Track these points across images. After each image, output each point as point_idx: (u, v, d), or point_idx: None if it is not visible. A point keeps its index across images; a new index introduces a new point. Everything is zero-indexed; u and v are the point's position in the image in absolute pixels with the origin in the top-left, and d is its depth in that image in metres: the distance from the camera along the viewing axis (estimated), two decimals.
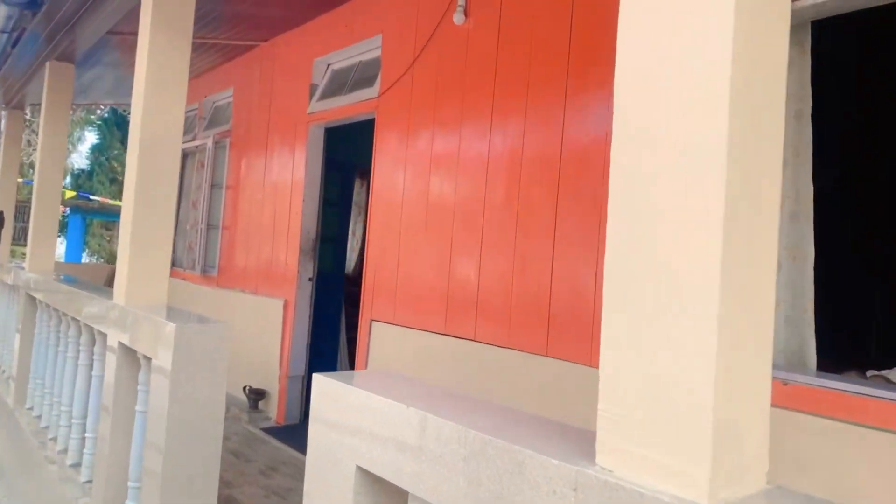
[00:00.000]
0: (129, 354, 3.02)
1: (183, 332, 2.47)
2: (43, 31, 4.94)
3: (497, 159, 3.47)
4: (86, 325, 3.61)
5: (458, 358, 3.55)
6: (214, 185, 6.51)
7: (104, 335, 3.32)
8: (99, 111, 24.28)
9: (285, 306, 5.18)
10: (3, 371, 6.02)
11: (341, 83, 4.97)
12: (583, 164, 3.01)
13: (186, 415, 2.46)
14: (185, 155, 7.36)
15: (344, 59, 5.00)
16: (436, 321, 3.72)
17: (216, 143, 6.46)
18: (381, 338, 4.15)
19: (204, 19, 5.54)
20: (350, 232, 7.51)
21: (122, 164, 25.73)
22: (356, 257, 9.00)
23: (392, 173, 4.21)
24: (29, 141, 24.89)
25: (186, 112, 7.84)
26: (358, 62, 4.85)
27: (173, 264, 7.23)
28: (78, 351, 3.80)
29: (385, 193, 4.25)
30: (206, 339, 2.52)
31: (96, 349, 3.49)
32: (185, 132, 7.47)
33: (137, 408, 2.84)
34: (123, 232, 3.17)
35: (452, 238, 3.69)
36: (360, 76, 4.75)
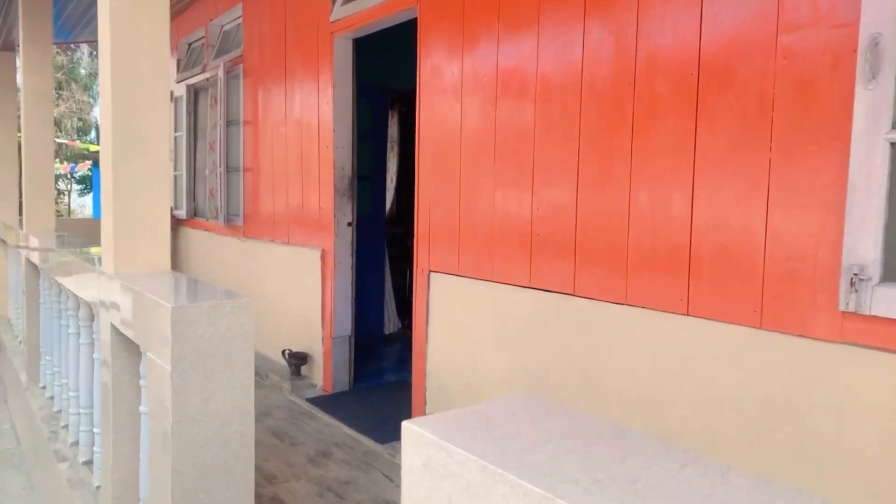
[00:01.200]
0: (124, 339, 2.29)
1: (184, 315, 1.69)
2: None
3: (596, 63, 2.54)
4: (82, 299, 2.90)
5: (551, 319, 2.73)
6: (231, 122, 5.67)
7: (97, 313, 2.59)
8: None
9: (323, 256, 4.41)
10: (19, 339, 5.47)
11: None
12: (738, 62, 2.07)
13: (197, 432, 1.71)
14: (197, 91, 6.51)
15: None
16: (516, 270, 2.90)
17: (228, 72, 5.58)
18: (443, 293, 3.35)
19: None
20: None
21: None
22: (393, 197, 8.18)
23: (444, 87, 3.30)
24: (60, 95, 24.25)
25: (192, 42, 6.94)
26: None
27: (195, 214, 6.51)
28: (78, 327, 3.11)
29: (437, 114, 3.36)
30: (219, 323, 1.74)
31: (94, 327, 2.78)
32: (194, 64, 6.59)
33: (141, 408, 2.11)
34: (105, 184, 2.38)
35: (534, 165, 2.81)
36: None
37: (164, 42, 2.40)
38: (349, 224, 4.40)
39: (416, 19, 3.54)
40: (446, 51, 3.28)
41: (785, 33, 1.96)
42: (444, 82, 3.32)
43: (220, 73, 5.52)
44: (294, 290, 4.75)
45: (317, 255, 4.44)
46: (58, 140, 20.77)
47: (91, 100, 30.43)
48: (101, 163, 2.43)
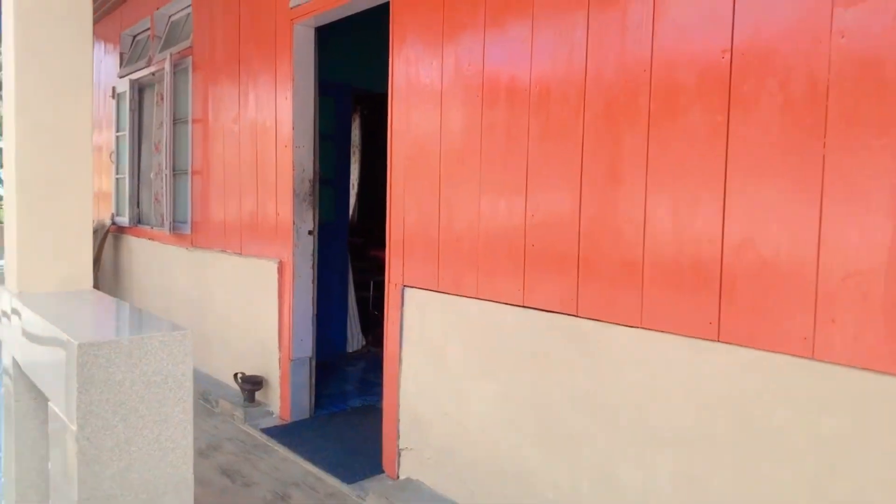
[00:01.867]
0: (30, 378, 1.82)
1: (95, 354, 1.26)
2: None
3: (603, 49, 2.20)
4: None
5: (550, 343, 2.37)
6: (178, 121, 5.16)
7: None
8: None
9: (281, 268, 3.96)
10: None
11: None
12: (782, 42, 1.77)
13: None
14: (142, 87, 5.97)
15: None
16: (507, 287, 2.53)
17: (175, 65, 5.09)
18: (419, 311, 2.96)
19: None
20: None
21: None
22: (355, 203, 7.73)
23: (422, 81, 2.93)
24: None
25: (136, 34, 6.38)
26: None
27: (139, 222, 5.97)
28: None
29: (413, 112, 2.97)
30: (145, 363, 1.32)
31: None
32: (138, 58, 6.05)
33: (50, 465, 1.65)
34: (7, 185, 1.92)
35: (528, 168, 2.45)
36: None
37: (85, 8, 1.95)
38: (310, 232, 3.97)
39: (387, 4, 3.16)
40: (424, 40, 2.91)
41: (842, 6, 1.65)
42: (421, 76, 2.94)
43: (167, 66, 5.02)
44: (248, 305, 4.28)
45: (273, 266, 3.99)
46: None
47: None
48: (4, 160, 1.96)
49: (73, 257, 1.94)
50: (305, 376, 3.98)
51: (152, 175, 5.80)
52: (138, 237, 5.98)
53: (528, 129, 2.45)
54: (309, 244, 3.97)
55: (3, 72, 1.96)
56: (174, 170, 5.20)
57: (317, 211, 4.00)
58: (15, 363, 1.81)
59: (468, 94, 2.70)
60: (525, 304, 2.47)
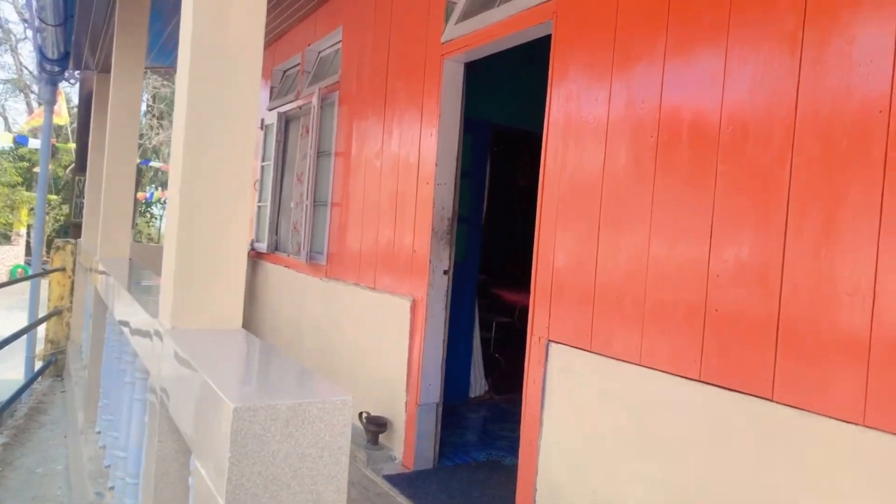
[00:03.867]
0: (173, 422, 1.75)
1: (252, 421, 1.11)
2: None
3: (822, 86, 1.86)
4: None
5: (732, 430, 2.00)
6: (321, 153, 5.26)
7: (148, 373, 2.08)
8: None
9: (414, 307, 3.82)
10: (87, 367, 5.15)
11: None
12: None
13: None
14: (288, 120, 6.20)
15: None
16: (679, 355, 2.19)
17: (322, 99, 5.20)
18: (566, 371, 2.68)
19: None
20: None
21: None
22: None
23: (584, 117, 2.69)
24: (151, 126, 25.47)
25: (287, 69, 6.67)
26: None
27: (276, 248, 6.13)
28: (134, 378, 2.64)
29: (572, 149, 2.74)
30: (301, 434, 1.15)
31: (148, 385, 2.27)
32: (287, 92, 6.30)
33: None
34: (170, 217, 1.89)
35: (714, 212, 2.13)
36: None
37: (257, 42, 1.90)
38: (445, 272, 3.82)
39: (547, 37, 2.98)
40: (590, 74, 2.68)
41: None
42: (583, 112, 2.71)
43: (315, 100, 5.15)
44: (378, 342, 4.18)
45: (406, 304, 3.86)
46: (154, 165, 21.54)
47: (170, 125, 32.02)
48: (169, 191, 1.94)
49: (226, 296, 1.87)
50: (432, 423, 3.79)
51: (292, 204, 5.96)
52: (275, 263, 6.14)
53: (716, 172, 2.14)
54: (443, 284, 3.81)
55: (176, 101, 1.94)
56: (315, 201, 5.28)
57: (453, 250, 3.85)
58: (162, 401, 1.74)
59: (640, 132, 2.42)
60: (702, 379, 2.12)
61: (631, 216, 2.43)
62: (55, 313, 6.63)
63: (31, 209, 22.78)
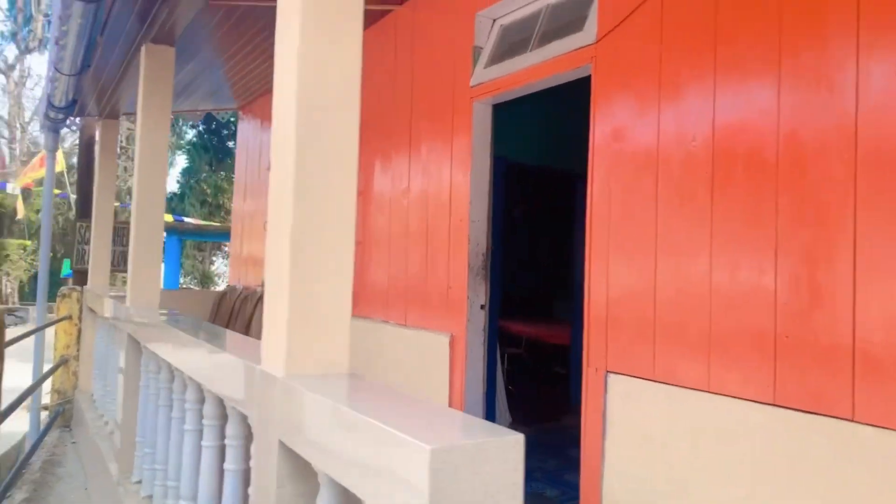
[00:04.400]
0: (299, 463, 1.77)
1: (447, 461, 1.16)
2: (133, 4, 3.90)
3: (886, 108, 2.02)
4: (214, 394, 2.43)
5: (807, 451, 2.10)
6: None
7: (245, 420, 2.10)
8: (189, 132, 24.61)
9: (452, 343, 3.88)
10: (105, 419, 5.06)
11: (519, 40, 3.65)
12: None
13: None
14: None
15: (519, 6, 3.69)
16: (750, 380, 2.29)
17: None
18: (628, 402, 2.75)
19: None
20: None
21: (212, 187, 25.94)
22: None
23: (628, 149, 2.83)
24: (126, 168, 25.27)
25: None
26: (544, 6, 3.52)
27: None
28: (200, 424, 2.63)
29: (619, 178, 2.87)
30: (484, 472, 1.21)
31: (230, 430, 2.28)
32: None
33: None
34: (276, 262, 1.94)
35: (777, 237, 2.25)
36: (554, 24, 3.41)
37: (354, 96, 2.00)
38: (482, 307, 3.89)
39: (577, 80, 3.13)
40: (634, 106, 2.82)
41: None
42: (631, 145, 2.84)
43: None
44: (415, 381, 4.21)
45: (445, 341, 3.92)
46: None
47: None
48: (274, 236, 1.99)
49: (333, 340, 1.92)
50: None
51: None
52: None
53: (776, 198, 2.27)
54: (481, 319, 3.88)
55: (274, 148, 2.01)
56: None
57: (489, 285, 3.93)
58: (283, 447, 1.77)
59: (693, 161, 2.56)
60: (776, 403, 2.22)
61: (689, 246, 2.55)
62: (62, 363, 6.51)
63: (6, 256, 22.28)
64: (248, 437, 2.36)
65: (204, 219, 21.46)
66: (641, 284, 2.73)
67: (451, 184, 4.01)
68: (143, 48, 4.24)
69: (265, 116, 7.21)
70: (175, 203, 23.84)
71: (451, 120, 4.05)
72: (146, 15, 3.96)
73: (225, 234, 15.80)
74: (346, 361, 1.93)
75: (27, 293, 25.33)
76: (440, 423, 1.41)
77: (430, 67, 4.29)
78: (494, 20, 3.87)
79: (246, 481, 2.29)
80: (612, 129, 2.93)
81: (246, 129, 7.67)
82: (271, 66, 6.13)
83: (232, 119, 20.69)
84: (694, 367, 2.49)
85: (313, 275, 1.88)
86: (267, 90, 7.00)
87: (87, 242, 7.27)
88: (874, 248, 2.00)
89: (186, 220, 17.89)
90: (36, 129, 33.49)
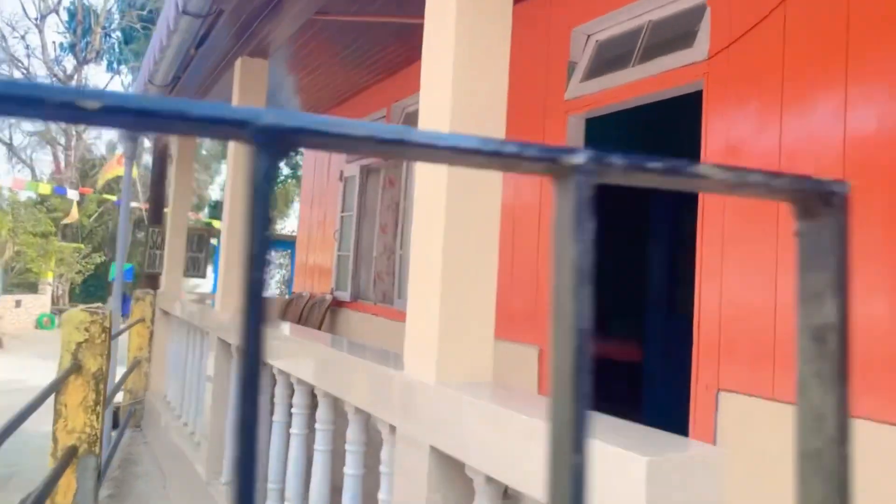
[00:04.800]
0: (451, 466, 1.79)
1: (659, 473, 1.17)
2: (236, 21, 4.03)
3: None
4: (331, 397, 2.46)
5: None
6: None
7: (364, 425, 2.13)
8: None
9: (541, 356, 3.87)
10: (183, 420, 5.17)
11: (617, 56, 3.66)
12: None
13: None
14: (368, 171, 6.37)
15: (618, 22, 3.70)
16: (894, 402, 2.24)
17: None
18: (742, 423, 2.70)
19: None
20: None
21: None
22: None
23: (748, 155, 2.79)
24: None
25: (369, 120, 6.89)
26: (645, 23, 3.52)
27: (357, 297, 6.22)
28: (306, 428, 2.68)
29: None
30: (691, 487, 1.21)
31: (352, 436, 2.31)
32: None
33: None
34: (429, 270, 1.98)
35: None
36: (658, 40, 3.41)
37: (500, 120, 2.04)
38: None
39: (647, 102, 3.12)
40: (750, 124, 2.80)
41: None
42: (743, 160, 2.81)
43: None
44: None
45: (533, 353, 3.91)
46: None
47: (208, 178, 32.53)
48: (422, 258, 2.03)
49: (479, 350, 1.94)
50: None
51: (375, 254, 6.07)
52: (362, 312, 6.22)
53: None
54: None
55: (423, 184, 2.06)
56: None
57: None
58: (434, 452, 1.80)
59: (825, 165, 2.52)
60: None
61: None
62: (136, 364, 6.69)
63: (61, 259, 23.01)
64: (366, 442, 2.39)
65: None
66: (760, 303, 2.69)
67: (541, 196, 4.02)
68: (237, 61, 4.38)
69: None
70: (219, 210, 24.45)
71: (542, 133, 4.07)
72: (245, 30, 4.09)
73: (280, 242, 16.02)
74: (489, 372, 1.95)
75: (77, 294, 26.15)
76: (636, 435, 1.42)
77: (523, 80, 4.32)
78: (590, 36, 3.89)
79: (365, 485, 2.32)
80: (726, 143, 2.91)
81: None
82: (348, 79, 6.20)
83: None
84: None
85: (461, 292, 1.92)
86: (337, 102, 7.14)
87: (158, 248, 7.48)
88: None
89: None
90: (92, 137, 34.77)
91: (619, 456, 1.22)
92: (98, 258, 24.62)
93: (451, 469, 1.82)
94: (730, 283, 2.82)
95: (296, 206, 34.73)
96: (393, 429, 2.11)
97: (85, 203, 26.71)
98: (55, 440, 3.25)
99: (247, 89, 4.32)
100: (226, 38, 4.25)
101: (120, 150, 12.99)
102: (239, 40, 4.29)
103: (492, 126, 2.01)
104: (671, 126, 4.73)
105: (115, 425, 6.37)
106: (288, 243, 18.45)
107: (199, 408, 4.81)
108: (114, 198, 19.81)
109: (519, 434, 1.48)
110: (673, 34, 3.30)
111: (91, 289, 26.92)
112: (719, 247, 2.89)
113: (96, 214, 28.40)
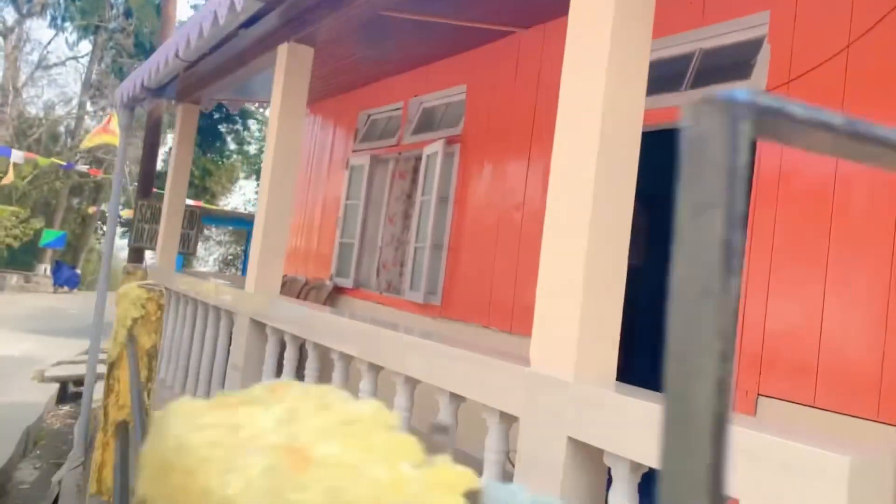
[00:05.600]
0: (590, 456, 1.97)
1: (864, 477, 1.37)
2: (294, 7, 4.04)
3: None
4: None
5: None
6: (441, 199, 5.51)
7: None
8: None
9: None
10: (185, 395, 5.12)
11: (659, 77, 3.89)
12: None
13: None
14: (378, 161, 6.44)
15: (664, 46, 3.93)
16: None
17: (445, 150, 5.48)
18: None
19: None
20: None
21: (199, 169, 25.72)
22: None
23: (806, 162, 3.09)
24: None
25: (373, 114, 6.94)
26: (696, 49, 3.77)
27: (357, 285, 6.29)
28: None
29: (786, 205, 3.12)
30: (886, 487, 1.42)
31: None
32: (376, 136, 6.55)
33: None
34: (572, 282, 2.13)
35: None
36: (710, 66, 3.66)
37: (637, 130, 2.22)
38: None
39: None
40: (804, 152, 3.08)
41: None
42: (797, 183, 3.10)
43: (440, 150, 5.41)
44: None
45: None
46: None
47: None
48: (557, 249, 2.19)
49: (609, 348, 2.12)
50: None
51: (381, 244, 6.16)
52: (364, 300, 6.29)
53: None
54: None
55: (556, 159, 2.20)
56: (433, 243, 5.50)
57: None
58: (573, 443, 1.97)
59: (879, 201, 2.81)
60: None
61: (864, 284, 2.80)
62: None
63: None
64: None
65: (206, 201, 21.36)
66: (806, 317, 2.97)
67: None
68: (283, 46, 4.38)
69: (334, 116, 7.35)
70: (160, 182, 23.71)
71: None
72: (300, 16, 4.11)
73: (243, 221, 15.74)
74: (613, 372, 2.13)
75: (7, 259, 24.82)
76: (821, 437, 1.62)
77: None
78: None
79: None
80: (779, 166, 3.19)
81: (314, 126, 7.80)
82: (369, 69, 6.19)
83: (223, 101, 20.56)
84: (862, 398, 2.74)
85: (600, 291, 2.09)
86: (340, 91, 7.14)
87: (147, 222, 7.31)
88: None
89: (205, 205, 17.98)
90: (29, 94, 32.83)
91: (819, 457, 1.42)
92: (37, 224, 23.43)
93: (586, 457, 1.99)
94: (776, 297, 3.10)
95: (240, 184, 33.79)
96: (506, 417, 2.28)
97: (22, 165, 25.35)
98: (105, 415, 3.22)
99: (293, 74, 4.33)
100: (276, 22, 4.24)
101: (106, 117, 12.44)
102: (288, 25, 4.29)
103: (627, 150, 2.18)
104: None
105: None
106: (239, 221, 18.02)
107: (207, 390, 4.80)
108: (62, 162, 18.90)
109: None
110: (727, 63, 3.55)
111: (18, 254, 25.59)
112: (767, 262, 3.16)
113: (31, 177, 27.01)
